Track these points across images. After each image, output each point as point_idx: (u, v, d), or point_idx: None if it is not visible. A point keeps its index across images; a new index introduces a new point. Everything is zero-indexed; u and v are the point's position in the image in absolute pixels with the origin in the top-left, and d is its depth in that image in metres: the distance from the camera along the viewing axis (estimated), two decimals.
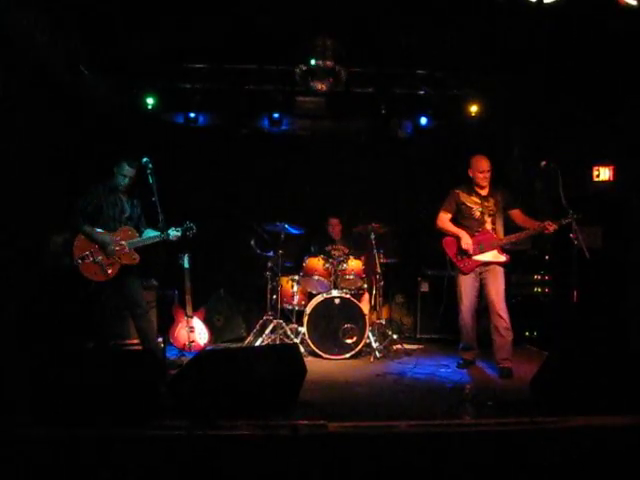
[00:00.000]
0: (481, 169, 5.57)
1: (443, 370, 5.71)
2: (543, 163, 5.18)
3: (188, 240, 5.54)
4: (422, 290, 7.66)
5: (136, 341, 6.41)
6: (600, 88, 6.25)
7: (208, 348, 6.49)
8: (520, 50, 6.04)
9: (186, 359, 5.56)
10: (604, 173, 6.87)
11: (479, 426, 3.44)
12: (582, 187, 6.73)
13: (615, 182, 6.74)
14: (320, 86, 6.47)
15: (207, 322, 6.81)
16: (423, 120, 7.82)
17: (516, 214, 5.65)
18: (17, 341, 5.04)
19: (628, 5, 4.53)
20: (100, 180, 5.35)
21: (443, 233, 5.72)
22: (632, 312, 6.22)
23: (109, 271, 5.15)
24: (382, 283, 6.80)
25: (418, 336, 7.58)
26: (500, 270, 5.55)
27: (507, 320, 5.42)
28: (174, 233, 5.35)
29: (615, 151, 6.66)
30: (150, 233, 5.38)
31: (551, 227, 5.28)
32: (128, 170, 5.25)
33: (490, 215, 5.60)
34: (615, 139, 6.55)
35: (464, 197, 5.64)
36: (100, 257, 5.12)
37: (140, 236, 5.35)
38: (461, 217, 5.67)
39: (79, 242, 5.14)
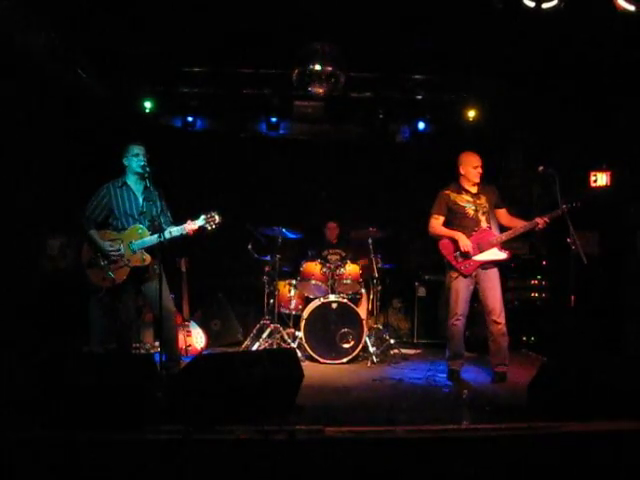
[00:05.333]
0: (474, 164, 5.44)
1: (440, 375, 5.69)
2: (541, 168, 5.16)
3: (209, 234, 5.04)
4: (419, 295, 7.67)
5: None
6: (598, 93, 6.27)
7: (205, 352, 6.48)
8: (518, 55, 6.05)
9: (183, 363, 5.54)
10: (601, 179, 6.89)
11: (476, 431, 3.44)
12: (579, 192, 6.74)
13: (612, 188, 6.76)
14: (318, 90, 6.47)
15: (204, 326, 6.82)
16: (421, 125, 7.85)
17: (502, 213, 5.55)
18: (15, 343, 5.02)
19: (626, 11, 4.54)
20: (105, 180, 5.00)
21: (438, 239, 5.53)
22: (629, 317, 6.22)
23: (115, 276, 4.77)
24: (379, 288, 6.80)
25: (415, 341, 7.60)
26: (497, 272, 5.43)
27: (504, 326, 5.33)
28: (177, 230, 4.88)
29: (612, 157, 6.68)
30: (173, 230, 4.91)
31: (542, 220, 5.23)
32: (138, 148, 4.89)
33: (484, 213, 5.44)
34: (612, 145, 6.57)
35: (455, 197, 5.46)
36: (106, 261, 4.78)
37: (162, 233, 4.67)
38: (454, 218, 5.47)
39: (86, 247, 4.86)
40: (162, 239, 4.62)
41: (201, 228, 5.00)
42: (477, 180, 5.49)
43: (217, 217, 5.00)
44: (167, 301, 4.85)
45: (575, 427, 3.31)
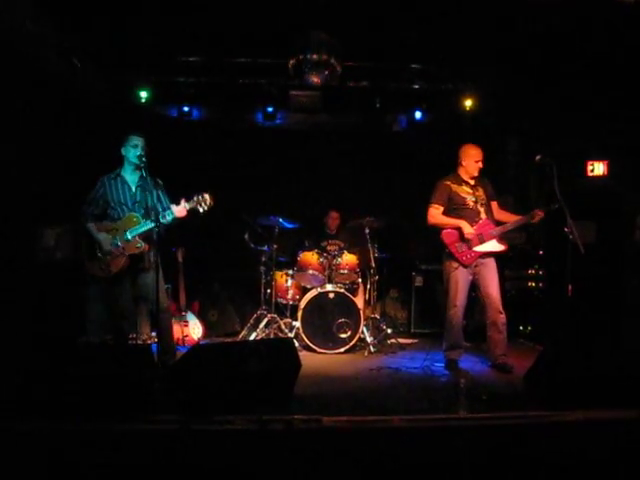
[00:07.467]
0: (476, 158, 5.47)
1: (437, 364, 5.70)
2: (538, 157, 5.15)
3: (201, 216, 4.97)
4: (416, 285, 7.67)
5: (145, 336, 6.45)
6: (595, 83, 6.24)
7: (202, 342, 6.48)
8: (515, 44, 6.03)
9: (180, 353, 5.54)
10: (598, 168, 6.89)
11: (473, 420, 3.44)
12: (577, 182, 6.74)
13: (609, 177, 6.76)
14: (315, 80, 6.43)
15: (201, 316, 6.83)
16: (418, 114, 7.81)
17: (494, 206, 5.60)
18: (8, 335, 5.01)
19: (625, 0, 4.52)
20: (101, 170, 5.06)
21: (438, 229, 5.51)
22: (626, 306, 6.23)
23: (111, 267, 4.83)
24: (376, 277, 6.79)
25: (412, 330, 7.61)
26: (494, 264, 5.46)
27: (505, 315, 5.37)
28: (170, 216, 4.88)
29: (609, 146, 6.67)
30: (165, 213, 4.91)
31: (540, 214, 5.27)
32: (137, 139, 4.94)
33: (482, 205, 5.47)
34: (610, 134, 6.56)
35: (456, 187, 5.48)
36: (102, 252, 4.84)
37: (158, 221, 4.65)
38: (454, 209, 5.48)
39: (85, 239, 4.93)
40: (157, 225, 4.58)
41: (192, 211, 4.95)
42: (476, 174, 5.53)
43: (208, 197, 4.91)
44: (161, 294, 4.86)
45: (572, 416, 3.31)
